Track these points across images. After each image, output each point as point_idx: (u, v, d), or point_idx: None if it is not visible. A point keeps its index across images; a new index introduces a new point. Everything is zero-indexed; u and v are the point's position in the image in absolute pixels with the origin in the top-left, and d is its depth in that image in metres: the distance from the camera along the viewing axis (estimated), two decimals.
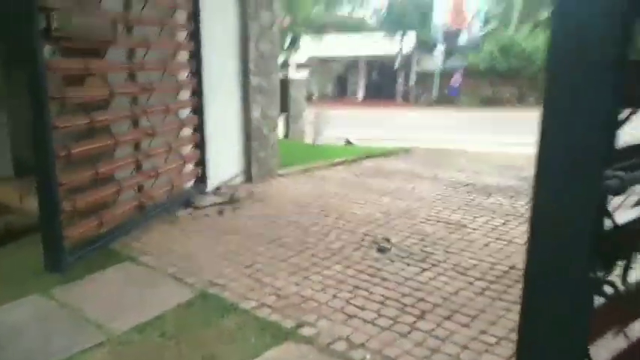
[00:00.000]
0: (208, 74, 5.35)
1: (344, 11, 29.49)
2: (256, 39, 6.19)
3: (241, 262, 3.77)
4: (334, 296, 3.25)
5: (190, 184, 5.39)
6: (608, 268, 1.27)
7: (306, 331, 2.84)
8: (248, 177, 6.25)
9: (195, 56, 5.24)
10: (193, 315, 3.04)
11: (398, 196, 5.63)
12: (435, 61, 25.69)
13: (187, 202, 5.11)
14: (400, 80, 27.21)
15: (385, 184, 6.18)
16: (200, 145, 5.44)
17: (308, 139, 10.63)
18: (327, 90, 26.54)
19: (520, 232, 4.37)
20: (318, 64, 23.73)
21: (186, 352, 2.64)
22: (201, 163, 5.47)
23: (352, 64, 28.24)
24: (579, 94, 1.06)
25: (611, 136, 1.11)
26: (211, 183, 5.61)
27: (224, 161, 5.95)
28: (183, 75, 5.19)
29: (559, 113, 1.12)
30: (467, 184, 6.14)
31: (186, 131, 5.27)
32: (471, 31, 26.80)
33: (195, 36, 5.21)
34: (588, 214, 1.14)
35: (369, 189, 5.96)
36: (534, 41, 21.90)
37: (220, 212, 5.00)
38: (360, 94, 28.62)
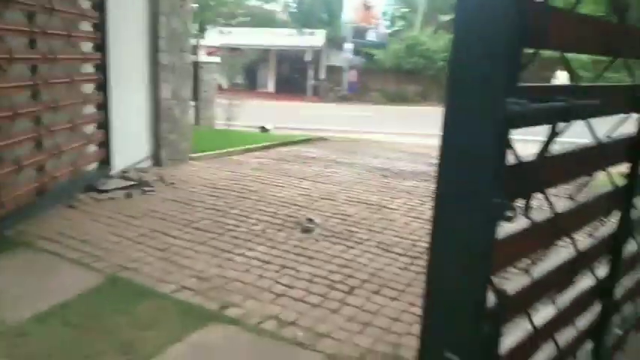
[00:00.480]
0: (115, 49, 4.90)
1: (255, 3, 29.07)
2: (167, 15, 5.80)
3: (155, 246, 3.48)
4: (260, 276, 3.09)
5: (94, 166, 4.90)
6: (512, 199, 1.28)
7: (232, 312, 2.66)
8: (157, 160, 5.85)
9: (100, 28, 4.77)
10: (103, 302, 2.72)
11: (318, 180, 5.57)
12: (344, 57, 26.20)
13: (90, 186, 4.63)
14: (311, 75, 27.39)
15: (304, 169, 6.10)
16: (104, 124, 4.96)
17: (220, 126, 10.24)
18: (237, 80, 25.97)
19: None
20: (228, 53, 23.12)
21: (98, 342, 2.34)
22: (105, 144, 5.00)
23: (262, 56, 27.90)
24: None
25: (514, 77, 1.11)
26: (117, 165, 5.15)
27: (131, 143, 5.51)
28: (87, 47, 4.70)
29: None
30: (383, 170, 6.25)
31: (90, 109, 4.78)
32: (379, 29, 27.69)
33: (99, 6, 4.73)
34: (490, 144, 1.13)
35: (287, 173, 5.84)
36: (437, 42, 23.07)
37: (128, 195, 4.61)
38: (271, 86, 28.42)
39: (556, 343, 1.62)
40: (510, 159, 1.14)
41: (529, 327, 1.44)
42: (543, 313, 1.59)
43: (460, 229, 1.19)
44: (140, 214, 4.14)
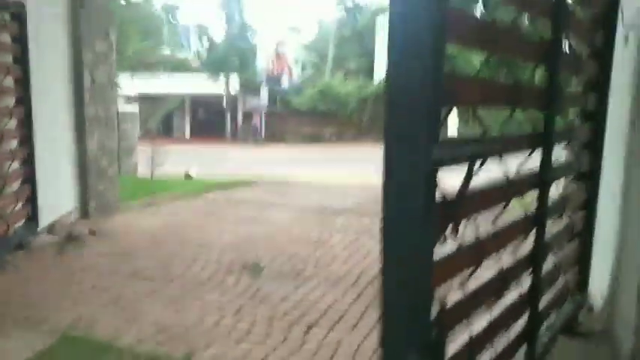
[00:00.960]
0: (38, 102, 4.77)
1: (167, 51, 28.98)
2: (91, 67, 5.75)
3: (103, 300, 3.39)
4: (217, 323, 3.12)
5: (20, 223, 4.65)
6: (443, 227, 1.61)
7: (199, 358, 2.68)
8: (86, 213, 5.64)
9: (22, 82, 4.64)
10: None
11: (256, 222, 5.68)
12: (256, 102, 26.85)
13: (19, 245, 4.38)
14: (228, 119, 27.56)
15: (240, 213, 6.19)
16: (29, 179, 4.76)
17: (143, 174, 10.01)
18: (153, 127, 25.44)
19: (374, 244, 4.77)
20: (144, 101, 22.67)
21: None
22: (31, 199, 4.77)
23: (178, 102, 27.69)
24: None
25: (436, 129, 1.44)
26: (45, 220, 4.91)
27: (58, 196, 5.29)
28: (10, 102, 4.55)
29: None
30: (316, 208, 6.49)
31: (14, 165, 4.58)
32: (292, 76, 28.74)
33: (21, 60, 4.62)
34: (422, 183, 1.46)
35: (224, 218, 5.89)
36: (347, 87, 24.47)
37: (60, 252, 4.42)
38: (187, 131, 28.19)
39: (493, 347, 1.95)
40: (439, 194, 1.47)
41: (469, 333, 1.75)
42: (482, 322, 1.91)
43: (403, 254, 1.49)
44: (78, 269, 4.00)
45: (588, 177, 3.00)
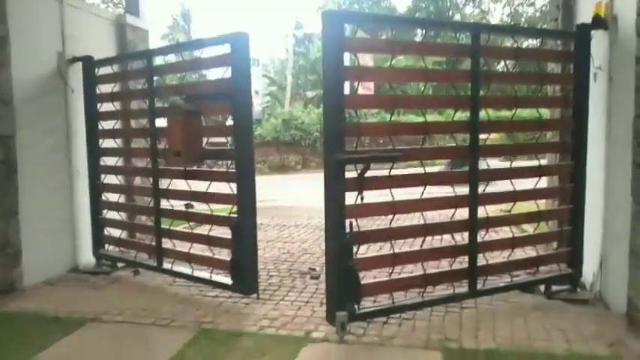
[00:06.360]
0: None
1: None
2: None
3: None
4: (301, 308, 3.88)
5: None
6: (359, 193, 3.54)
7: None
8: None
9: None
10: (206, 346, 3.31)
11: (284, 241, 6.44)
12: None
13: None
14: None
15: (262, 234, 6.88)
16: None
17: None
18: None
19: None
20: None
21: None
22: None
23: None
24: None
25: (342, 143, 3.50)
26: None
27: None
28: None
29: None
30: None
31: None
32: (254, 107, 29.49)
33: None
34: (337, 170, 3.55)
35: None
36: (310, 115, 25.57)
37: None
38: None
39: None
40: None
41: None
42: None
43: (332, 202, 3.52)
44: None
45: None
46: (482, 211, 3.90)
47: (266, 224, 7.56)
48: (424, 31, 5.02)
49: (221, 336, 3.49)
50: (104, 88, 5.22)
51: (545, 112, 5.30)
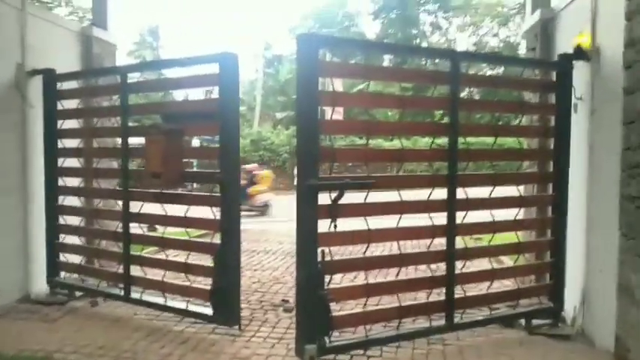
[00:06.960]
0: None
1: None
2: None
3: None
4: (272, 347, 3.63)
5: None
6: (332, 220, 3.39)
7: None
8: None
9: None
10: None
11: (254, 268, 6.15)
12: None
13: None
14: None
15: None
16: None
17: None
18: None
19: None
20: None
21: None
22: None
23: None
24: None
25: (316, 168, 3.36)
26: None
27: None
28: None
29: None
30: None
31: None
32: None
33: None
34: (311, 196, 3.38)
35: None
36: (279, 136, 25.39)
37: None
38: None
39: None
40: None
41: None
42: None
43: (304, 228, 3.31)
44: None
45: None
46: (459, 241, 3.78)
47: None
48: (395, 57, 4.94)
49: None
50: (67, 104, 4.89)
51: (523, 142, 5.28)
